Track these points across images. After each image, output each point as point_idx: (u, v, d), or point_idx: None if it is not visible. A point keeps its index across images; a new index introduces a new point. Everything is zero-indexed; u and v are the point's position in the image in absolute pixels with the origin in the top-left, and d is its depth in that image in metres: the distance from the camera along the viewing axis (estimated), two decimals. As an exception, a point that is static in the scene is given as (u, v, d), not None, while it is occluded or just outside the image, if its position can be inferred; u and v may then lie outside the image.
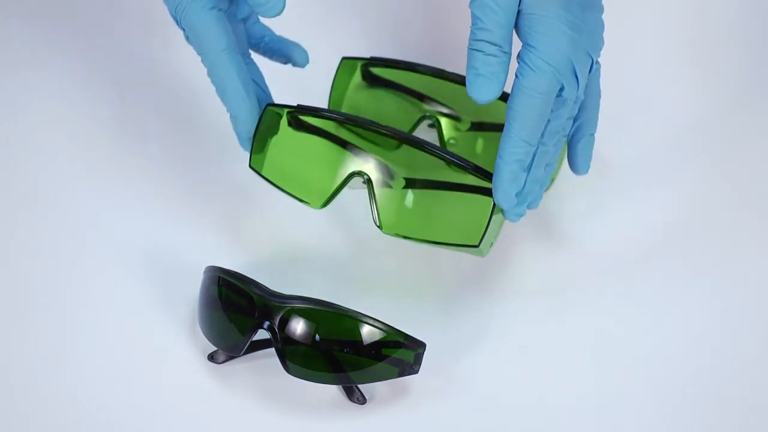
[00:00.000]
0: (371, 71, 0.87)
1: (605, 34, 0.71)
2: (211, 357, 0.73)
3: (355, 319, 0.69)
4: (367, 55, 0.87)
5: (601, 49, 0.71)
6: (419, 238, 0.74)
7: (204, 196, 0.82)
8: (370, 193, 0.75)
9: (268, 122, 0.77)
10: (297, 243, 0.79)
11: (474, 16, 0.68)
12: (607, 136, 0.85)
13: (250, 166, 0.77)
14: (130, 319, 0.75)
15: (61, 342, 0.74)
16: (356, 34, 0.93)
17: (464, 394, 0.72)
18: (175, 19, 0.73)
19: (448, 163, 0.73)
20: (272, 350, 0.70)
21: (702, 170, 0.84)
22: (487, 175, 0.72)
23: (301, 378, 0.70)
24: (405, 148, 0.75)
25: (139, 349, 0.74)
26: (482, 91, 0.68)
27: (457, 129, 0.84)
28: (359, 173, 0.75)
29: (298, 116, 0.77)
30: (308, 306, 0.70)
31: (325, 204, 0.76)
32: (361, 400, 0.71)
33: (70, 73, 0.88)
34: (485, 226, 0.72)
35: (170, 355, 0.74)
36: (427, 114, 0.83)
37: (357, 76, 0.87)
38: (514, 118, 0.69)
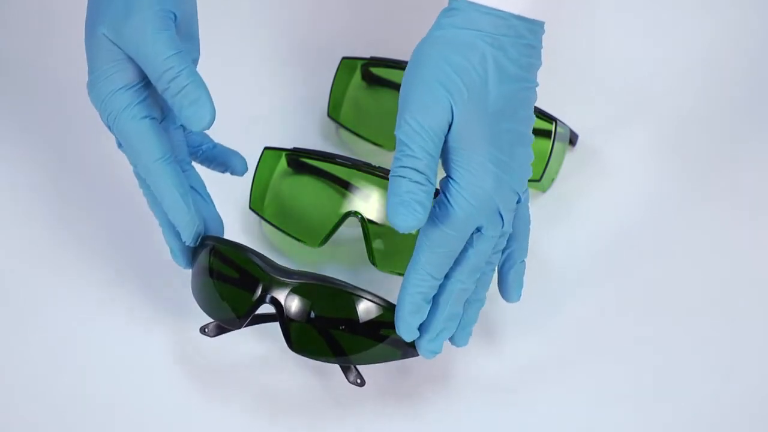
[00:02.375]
0: (371, 71, 0.87)
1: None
2: (204, 330, 0.71)
3: (361, 297, 0.67)
4: (367, 55, 0.87)
5: (527, 181, 0.67)
6: None
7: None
8: (365, 232, 0.76)
9: (265, 164, 0.80)
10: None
11: (400, 142, 0.64)
12: (607, 136, 0.86)
13: (250, 208, 0.79)
14: (129, 319, 0.75)
15: (60, 341, 0.74)
16: (356, 34, 0.93)
17: (465, 391, 0.72)
18: (107, 126, 0.69)
19: None
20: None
21: (702, 170, 0.84)
22: None
23: (305, 355, 0.68)
24: None
25: (138, 349, 0.74)
26: (406, 220, 0.63)
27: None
28: (354, 213, 0.77)
29: (294, 158, 0.80)
30: (316, 282, 0.68)
31: (322, 243, 0.78)
32: (361, 381, 0.69)
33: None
34: None
35: (170, 354, 0.74)
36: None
37: (357, 76, 0.87)
38: (422, 249, 0.66)
